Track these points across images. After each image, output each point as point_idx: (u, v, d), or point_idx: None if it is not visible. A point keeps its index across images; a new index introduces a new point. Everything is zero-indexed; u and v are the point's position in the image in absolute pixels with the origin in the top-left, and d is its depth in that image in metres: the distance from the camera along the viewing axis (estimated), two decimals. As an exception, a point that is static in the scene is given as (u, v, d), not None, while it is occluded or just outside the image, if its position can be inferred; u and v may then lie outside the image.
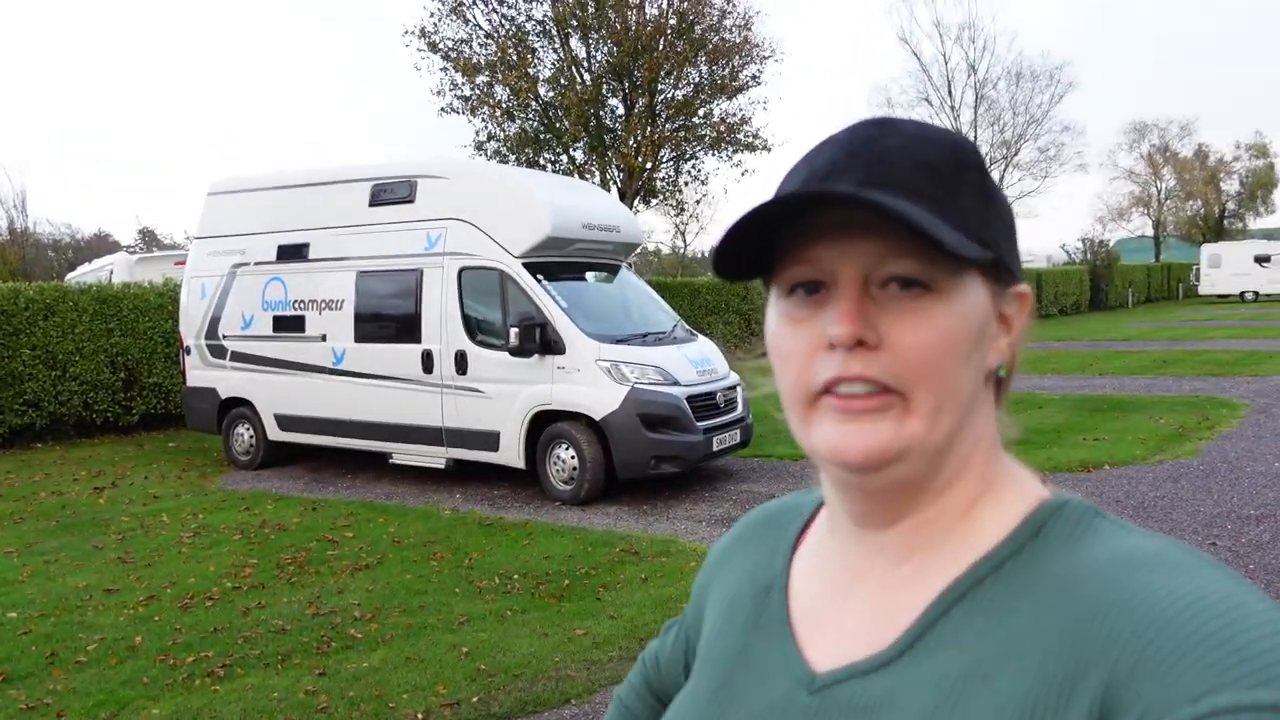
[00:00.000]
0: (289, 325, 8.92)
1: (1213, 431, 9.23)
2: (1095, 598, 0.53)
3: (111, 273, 15.91)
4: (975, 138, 39.77)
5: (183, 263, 10.63)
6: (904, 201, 0.56)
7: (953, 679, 0.55)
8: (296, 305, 8.87)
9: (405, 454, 8.33)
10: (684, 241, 51.71)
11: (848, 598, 0.65)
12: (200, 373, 9.59)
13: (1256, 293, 39.01)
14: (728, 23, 21.10)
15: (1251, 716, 0.43)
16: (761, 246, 0.62)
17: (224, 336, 9.37)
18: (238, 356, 9.28)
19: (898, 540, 0.63)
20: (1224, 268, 40.02)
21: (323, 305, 8.69)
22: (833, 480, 0.65)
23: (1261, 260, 39.20)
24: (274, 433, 9.11)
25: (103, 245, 43.65)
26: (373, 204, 8.48)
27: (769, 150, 22.11)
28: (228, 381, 9.36)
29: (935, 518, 0.62)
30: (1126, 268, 40.84)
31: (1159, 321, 28.44)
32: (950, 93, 39.99)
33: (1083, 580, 0.54)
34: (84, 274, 17.98)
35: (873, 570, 0.64)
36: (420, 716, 3.78)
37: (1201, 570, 0.52)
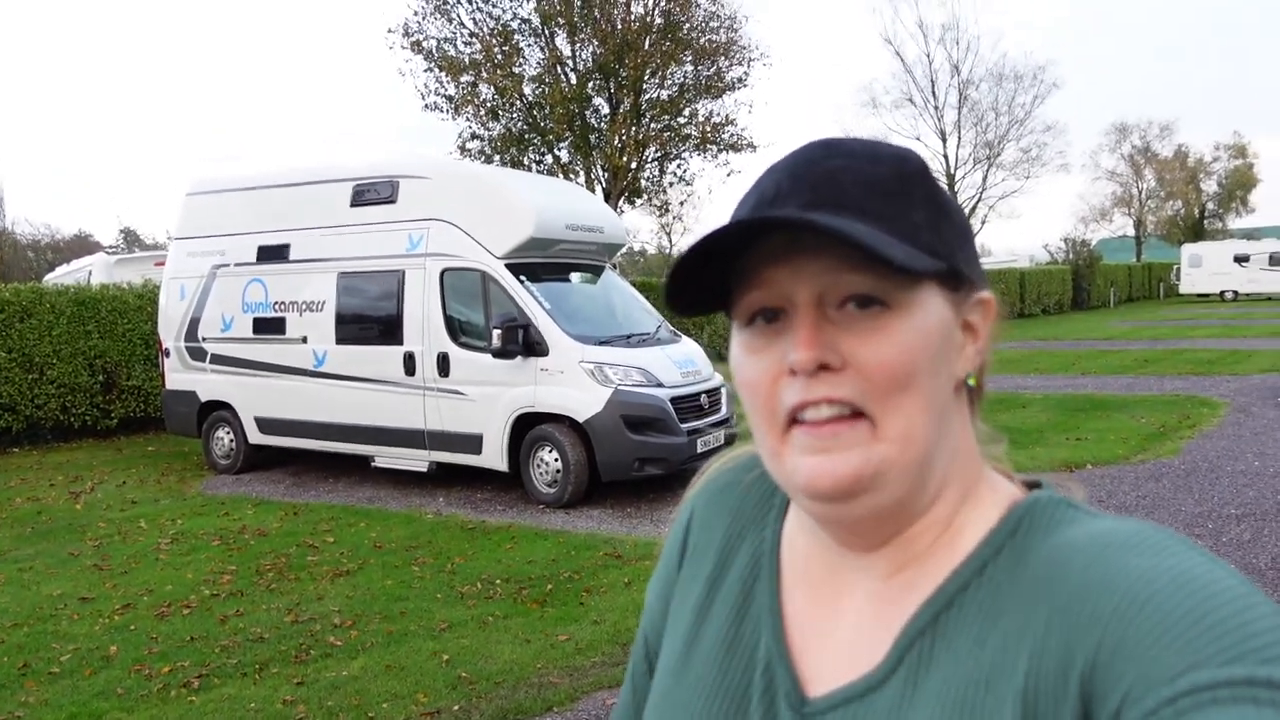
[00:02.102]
0: (269, 327, 8.82)
1: (1194, 430, 9.29)
2: (1076, 582, 0.53)
3: (90, 274, 15.73)
4: (959, 138, 39.94)
5: (162, 263, 10.51)
6: (849, 220, 0.56)
7: (955, 687, 0.55)
8: (277, 307, 8.78)
9: (387, 457, 8.26)
10: (670, 242, 51.71)
11: (835, 609, 0.64)
12: (180, 375, 9.48)
13: (1236, 292, 39.39)
14: (714, 24, 21.12)
15: (1228, 692, 0.44)
16: (716, 278, 0.61)
17: (204, 339, 9.27)
18: (218, 359, 9.17)
19: (886, 555, 0.62)
20: (1204, 267, 40.38)
21: (304, 307, 8.61)
22: (811, 513, 0.63)
23: (1241, 260, 39.58)
24: (254, 436, 9.01)
25: (83, 245, 43.24)
26: (354, 204, 8.40)
27: (754, 150, 22.12)
28: (207, 384, 9.26)
29: (920, 534, 0.61)
30: (1108, 267, 41.14)
31: (1140, 321, 28.65)
32: (934, 93, 40.13)
33: (1062, 566, 0.54)
34: (62, 275, 17.76)
35: (859, 584, 0.63)
36: (400, 726, 3.73)
37: (1177, 550, 0.52)
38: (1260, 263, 39.14)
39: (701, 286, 0.61)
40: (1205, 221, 56.02)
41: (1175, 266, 43.53)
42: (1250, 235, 50.18)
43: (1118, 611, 0.50)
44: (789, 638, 0.65)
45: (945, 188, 0.63)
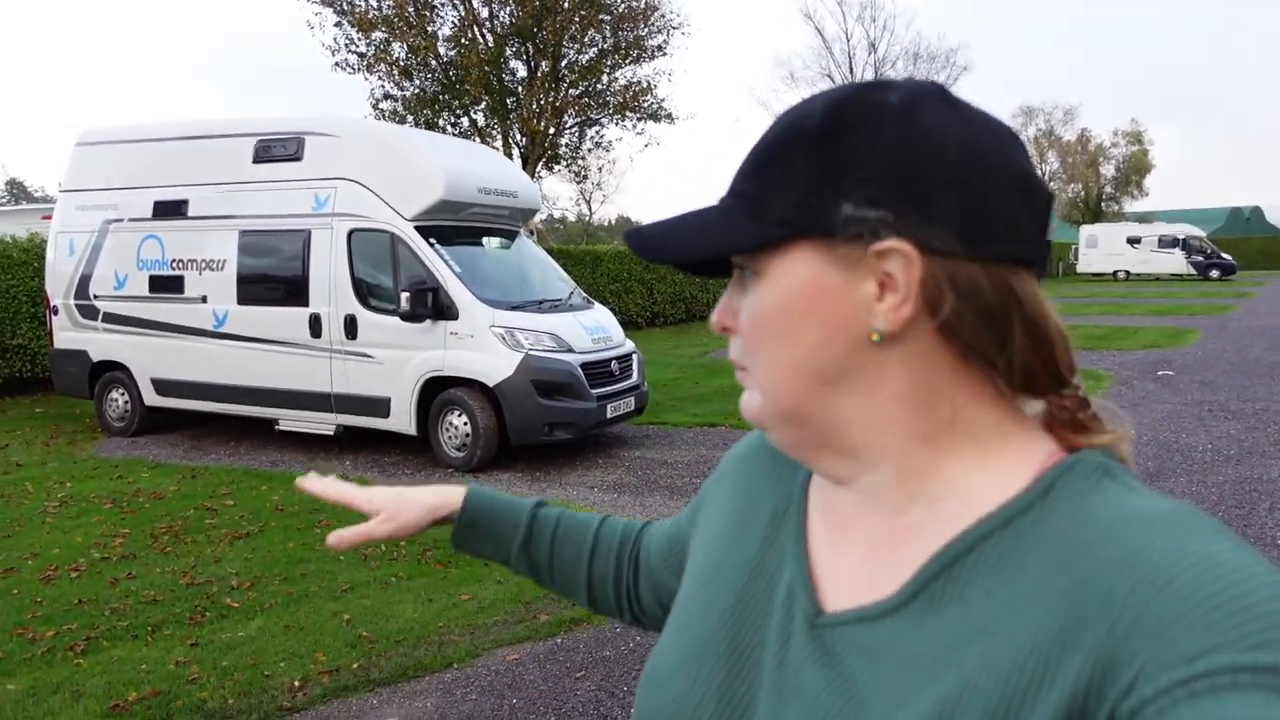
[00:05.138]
0: (166, 286, 8.50)
1: (1079, 401, 9.79)
2: (1096, 556, 0.53)
3: (-30, 226, 14.81)
4: (874, 115, 40.59)
5: (50, 217, 9.99)
6: (714, 209, 0.65)
7: (956, 632, 0.56)
8: (174, 265, 8.46)
9: (292, 420, 8.10)
10: (589, 209, 51.45)
11: (843, 538, 0.68)
12: (69, 334, 9.06)
13: (1128, 272, 41.43)
14: (635, -11, 20.97)
15: (1248, 678, 0.44)
16: None
17: (95, 296, 8.87)
18: (110, 318, 8.80)
19: (873, 495, 0.65)
20: (1100, 248, 42.32)
21: (203, 265, 8.32)
22: None
23: (1133, 242, 41.62)
24: (151, 398, 8.70)
25: (-37, 197, 40.60)
26: (257, 160, 8.13)
27: (673, 121, 22.14)
28: (100, 344, 8.88)
29: (899, 479, 0.63)
30: (1012, 246, 42.63)
31: (1039, 297, 29.79)
32: (851, 70, 40.75)
33: (1086, 539, 0.54)
34: (-60, 227, 16.65)
35: (860, 518, 0.66)
36: (297, 684, 3.72)
37: (1205, 533, 0.51)
38: (1151, 245, 41.25)
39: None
40: (1103, 204, 58.61)
41: (1074, 247, 45.47)
42: (1143, 218, 52.73)
43: (1136, 590, 0.49)
44: (811, 564, 0.68)
45: (878, 125, 0.60)
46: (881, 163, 0.58)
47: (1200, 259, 40.35)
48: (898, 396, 0.61)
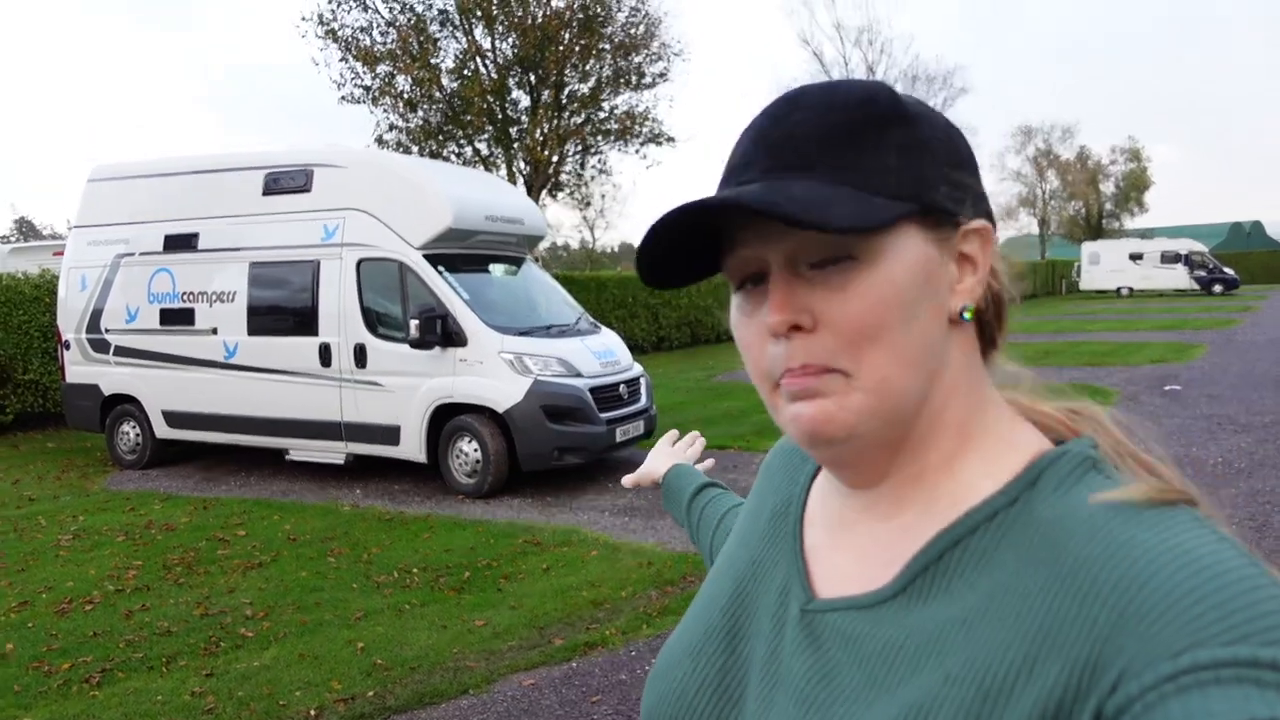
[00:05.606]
0: (177, 318, 8.57)
1: (1087, 417, 9.78)
2: (1077, 551, 0.52)
3: (-19, 264, 14.95)
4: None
5: (61, 253, 10.09)
6: (806, 180, 0.57)
7: (938, 624, 0.56)
8: (185, 297, 8.53)
9: (303, 450, 8.12)
10: (592, 236, 51.73)
11: (842, 539, 0.68)
12: (81, 368, 9.13)
13: (1131, 288, 41.41)
14: (635, 18, 21.22)
15: (1231, 672, 0.43)
16: (700, 246, 0.63)
17: (106, 330, 8.94)
18: (122, 351, 8.87)
19: (886, 496, 0.64)
20: (1102, 264, 42.33)
21: (213, 297, 8.39)
22: (811, 455, 0.68)
23: (1135, 258, 41.64)
24: (162, 430, 8.75)
25: (-28, 235, 40.99)
26: (266, 193, 8.22)
27: (674, 144, 22.32)
28: (111, 377, 8.94)
29: (919, 474, 0.63)
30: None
31: (1044, 315, 29.90)
32: (850, 93, 40.95)
33: (1067, 532, 0.54)
34: (-50, 265, 16.80)
35: (862, 520, 0.66)
36: (313, 713, 3.72)
37: (1185, 526, 0.51)
38: (1153, 260, 41.26)
39: (688, 257, 0.64)
40: (1104, 221, 58.70)
41: (1076, 264, 45.49)
42: (1144, 234, 52.82)
43: (1119, 586, 0.49)
44: (807, 560, 0.70)
45: (927, 114, 0.62)
46: (942, 149, 0.62)
47: (1203, 274, 40.32)
48: (952, 380, 0.62)
